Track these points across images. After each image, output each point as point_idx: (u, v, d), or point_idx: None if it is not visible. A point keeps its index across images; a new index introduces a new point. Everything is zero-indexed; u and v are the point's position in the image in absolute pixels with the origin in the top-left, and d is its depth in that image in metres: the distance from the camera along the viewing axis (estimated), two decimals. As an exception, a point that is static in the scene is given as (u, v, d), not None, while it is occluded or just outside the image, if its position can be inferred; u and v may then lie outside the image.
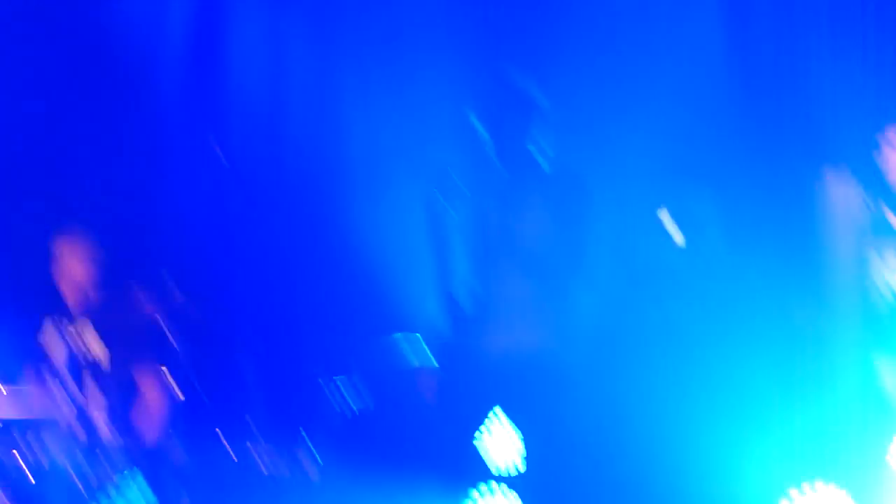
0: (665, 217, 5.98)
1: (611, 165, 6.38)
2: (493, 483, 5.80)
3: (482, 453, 5.96)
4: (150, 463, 5.76)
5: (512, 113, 5.28)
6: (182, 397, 5.97)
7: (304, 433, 6.27)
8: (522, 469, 5.47)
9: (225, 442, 6.23)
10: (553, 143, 5.46)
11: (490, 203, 5.40)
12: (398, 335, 6.33)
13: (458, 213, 5.40)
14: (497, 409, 5.49)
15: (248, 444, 6.26)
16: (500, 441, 6.12)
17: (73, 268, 5.87)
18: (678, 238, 5.99)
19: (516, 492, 5.53)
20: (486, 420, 5.57)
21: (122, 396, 5.85)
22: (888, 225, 5.44)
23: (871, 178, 5.48)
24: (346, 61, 7.34)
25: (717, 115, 6.72)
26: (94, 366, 5.83)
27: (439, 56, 6.96)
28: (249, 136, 7.23)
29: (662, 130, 6.61)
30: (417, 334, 6.19)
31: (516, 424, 5.48)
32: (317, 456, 6.22)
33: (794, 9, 6.65)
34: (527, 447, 5.44)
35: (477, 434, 5.67)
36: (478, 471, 5.68)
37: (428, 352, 5.96)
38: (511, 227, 5.32)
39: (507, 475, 5.69)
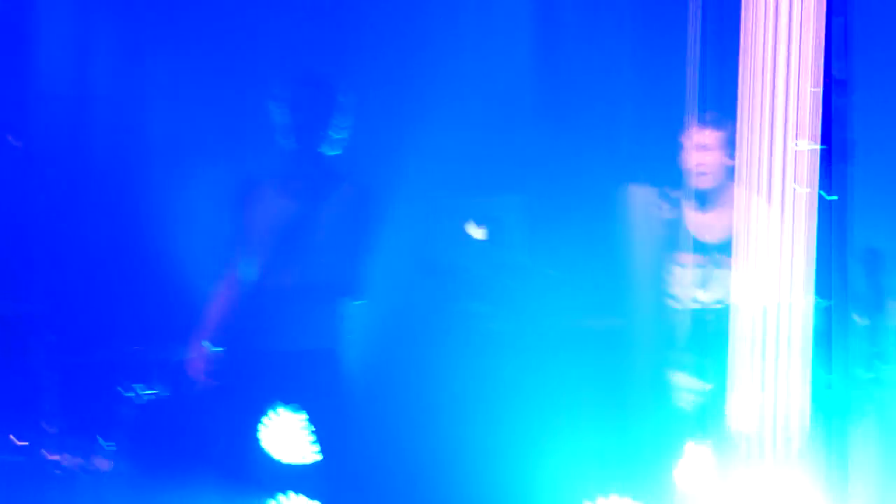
0: (468, 221, 5.99)
1: (412, 163, 6.41)
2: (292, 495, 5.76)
3: (265, 447, 5.91)
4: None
5: (312, 106, 5.34)
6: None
7: (96, 432, 6.15)
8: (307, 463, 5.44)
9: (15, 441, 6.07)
10: (352, 136, 5.51)
11: (282, 194, 5.40)
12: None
13: (252, 205, 5.42)
14: (281, 403, 5.48)
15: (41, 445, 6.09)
16: (284, 435, 6.04)
17: None
18: (478, 237, 6.00)
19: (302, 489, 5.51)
20: (270, 413, 5.55)
21: None
22: (687, 233, 5.47)
23: (671, 184, 5.50)
24: (149, 54, 7.20)
25: (521, 118, 6.78)
26: None
27: (242, 48, 6.92)
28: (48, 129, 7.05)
29: (465, 133, 6.66)
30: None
31: (303, 418, 5.46)
32: (108, 451, 6.09)
33: (596, 14, 6.72)
34: (313, 441, 5.42)
35: (260, 427, 5.65)
36: (260, 464, 5.66)
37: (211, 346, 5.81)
38: (303, 218, 5.33)
39: (290, 469, 5.67)
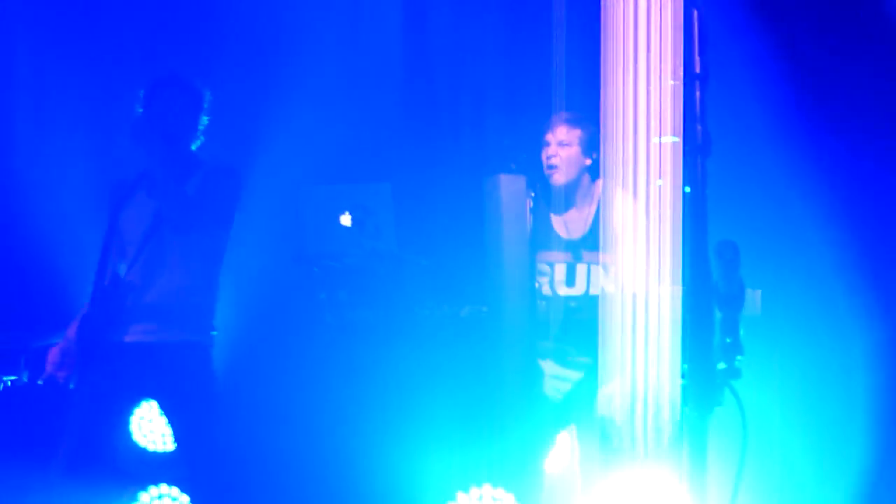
0: (343, 213, 5.96)
1: (281, 153, 6.39)
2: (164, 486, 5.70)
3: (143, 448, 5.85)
4: None
5: (173, 103, 5.30)
6: None
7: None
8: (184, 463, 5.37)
9: None
10: (219, 131, 5.48)
11: (150, 192, 5.34)
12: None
13: (121, 202, 5.35)
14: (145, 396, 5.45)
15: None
16: (148, 426, 5.99)
17: None
18: (347, 225, 5.97)
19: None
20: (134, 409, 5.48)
21: None
22: (551, 229, 5.49)
23: (538, 182, 5.55)
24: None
25: (391, 109, 6.79)
26: None
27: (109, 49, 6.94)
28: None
29: (335, 122, 6.65)
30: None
31: (164, 413, 5.41)
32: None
33: (466, 8, 6.74)
34: (179, 437, 5.33)
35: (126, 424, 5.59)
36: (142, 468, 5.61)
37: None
38: (173, 213, 5.23)
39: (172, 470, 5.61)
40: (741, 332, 3.79)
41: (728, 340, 3.78)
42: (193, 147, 5.37)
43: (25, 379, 6.08)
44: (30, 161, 7.00)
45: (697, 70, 3.51)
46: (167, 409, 5.33)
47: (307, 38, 6.93)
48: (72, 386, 5.22)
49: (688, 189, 3.61)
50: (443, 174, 6.65)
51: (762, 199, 6.20)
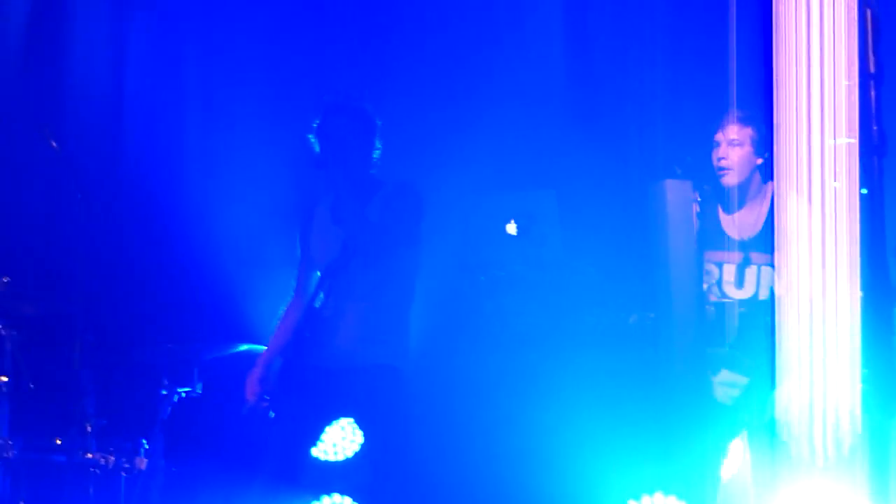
0: (508, 221, 5.96)
1: (446, 163, 6.43)
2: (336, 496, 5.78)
3: (322, 461, 5.92)
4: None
5: (348, 132, 5.39)
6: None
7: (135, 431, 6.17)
8: (367, 476, 5.42)
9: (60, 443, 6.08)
10: (389, 154, 5.56)
11: (329, 213, 5.45)
12: (244, 347, 6.22)
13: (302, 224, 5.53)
14: (341, 416, 5.53)
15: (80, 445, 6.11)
16: (342, 448, 6.09)
17: None
18: (512, 233, 5.97)
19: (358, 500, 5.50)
20: (327, 428, 5.53)
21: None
22: (720, 229, 5.40)
23: (705, 183, 5.48)
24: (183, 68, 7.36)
25: (555, 115, 6.75)
26: None
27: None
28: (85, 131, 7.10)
29: (499, 131, 6.64)
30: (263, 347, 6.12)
31: (361, 430, 5.48)
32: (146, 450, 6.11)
33: (631, 10, 6.68)
34: (371, 453, 5.41)
35: (318, 442, 5.66)
36: (318, 479, 5.66)
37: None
38: (351, 237, 5.32)
39: (349, 482, 5.67)
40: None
41: (913, 346, 3.66)
42: (372, 170, 5.46)
43: (199, 390, 6.20)
44: (206, 177, 7.15)
45: (872, 70, 3.41)
46: (364, 427, 5.43)
47: (469, 48, 6.95)
48: (272, 414, 5.33)
49: (865, 191, 3.51)
50: (608, 180, 6.60)
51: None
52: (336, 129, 5.36)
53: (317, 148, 5.38)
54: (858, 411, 4.13)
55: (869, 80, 3.43)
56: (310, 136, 5.38)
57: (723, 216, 5.46)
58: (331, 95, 5.50)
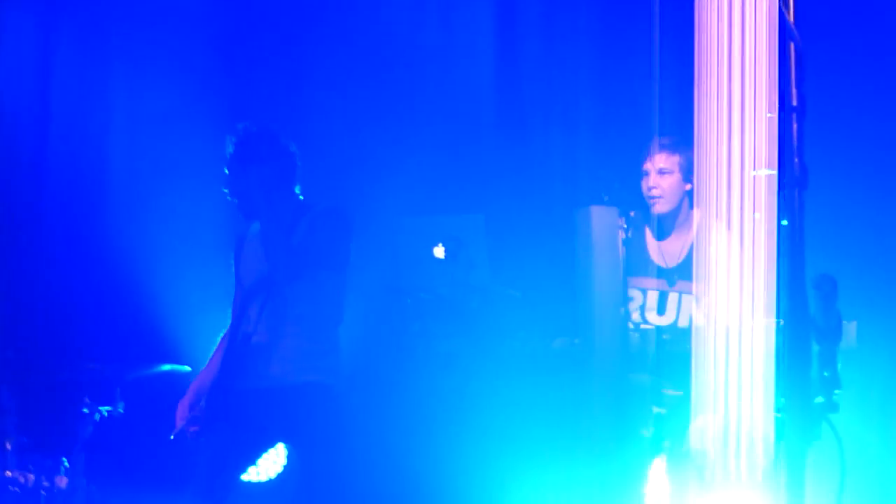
0: (436, 244, 5.98)
1: (374, 185, 6.47)
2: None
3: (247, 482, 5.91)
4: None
5: (260, 161, 5.38)
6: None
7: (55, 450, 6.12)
8: (294, 495, 5.42)
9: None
10: (317, 177, 5.62)
11: (259, 234, 5.43)
12: (167, 367, 6.20)
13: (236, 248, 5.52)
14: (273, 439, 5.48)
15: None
16: (266, 469, 6.08)
17: None
18: (440, 257, 6.00)
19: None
20: (258, 451, 5.52)
21: None
22: (646, 256, 5.45)
23: (632, 209, 5.48)
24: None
25: (483, 139, 6.81)
26: None
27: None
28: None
29: (427, 154, 6.69)
30: (188, 367, 6.08)
31: (291, 448, 5.46)
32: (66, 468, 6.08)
33: (559, 38, 6.74)
34: (300, 471, 5.37)
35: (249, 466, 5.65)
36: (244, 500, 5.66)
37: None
38: (278, 261, 5.31)
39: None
40: (839, 365, 3.75)
41: (826, 374, 3.73)
42: (296, 190, 5.44)
43: (121, 410, 6.16)
44: (131, 196, 7.13)
45: (794, 103, 3.48)
46: (296, 449, 5.40)
47: (399, 71, 6.99)
48: (202, 439, 5.30)
49: (785, 222, 3.58)
50: (535, 206, 6.65)
51: (858, 231, 6.12)
52: (247, 159, 5.34)
53: (231, 178, 5.35)
54: (771, 438, 4.19)
55: (791, 113, 3.49)
56: (224, 167, 5.37)
57: (649, 242, 5.50)
58: (243, 123, 5.46)
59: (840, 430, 3.83)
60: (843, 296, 3.96)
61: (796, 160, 3.51)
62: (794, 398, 3.70)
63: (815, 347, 3.85)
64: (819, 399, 3.76)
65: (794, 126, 3.49)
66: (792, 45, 3.47)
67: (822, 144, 4.05)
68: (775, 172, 3.74)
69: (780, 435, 3.80)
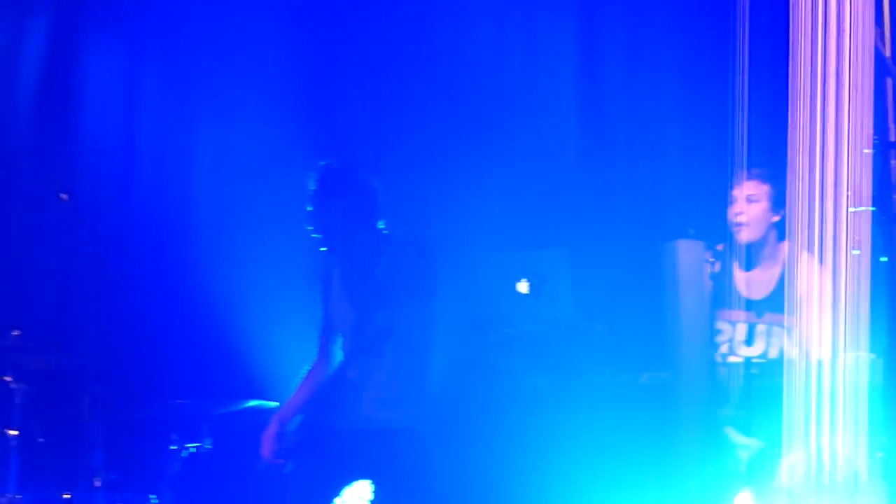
0: (519, 280, 5.97)
1: (458, 220, 6.46)
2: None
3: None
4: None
5: (344, 199, 5.40)
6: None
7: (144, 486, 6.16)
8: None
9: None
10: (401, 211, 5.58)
11: (341, 270, 5.47)
12: (254, 402, 6.22)
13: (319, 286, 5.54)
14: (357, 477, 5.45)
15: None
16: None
17: None
18: (524, 292, 5.98)
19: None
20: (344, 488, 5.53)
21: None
22: (733, 289, 5.40)
23: (718, 239, 5.44)
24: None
25: (567, 174, 6.79)
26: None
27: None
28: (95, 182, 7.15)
29: (511, 189, 6.68)
30: (275, 403, 6.10)
31: (378, 492, 5.42)
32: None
33: (643, 68, 6.70)
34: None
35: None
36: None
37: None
38: (363, 298, 5.34)
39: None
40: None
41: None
42: (380, 224, 5.45)
43: (208, 446, 6.19)
44: (216, 233, 7.19)
45: (892, 138, 3.44)
46: (382, 490, 5.38)
47: (483, 104, 6.99)
48: (291, 474, 5.32)
49: (884, 258, 3.53)
50: (620, 240, 6.61)
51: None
52: (329, 195, 5.38)
53: (313, 214, 5.39)
54: (864, 476, 4.11)
55: (889, 149, 3.46)
56: (307, 204, 5.40)
57: (736, 275, 5.45)
58: (325, 159, 5.50)
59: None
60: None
61: (894, 196, 3.47)
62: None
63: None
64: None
65: (893, 161, 3.45)
66: (889, 81, 3.43)
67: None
68: (871, 208, 3.69)
69: (883, 474, 3.73)
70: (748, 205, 5.40)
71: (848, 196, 3.80)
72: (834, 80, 3.86)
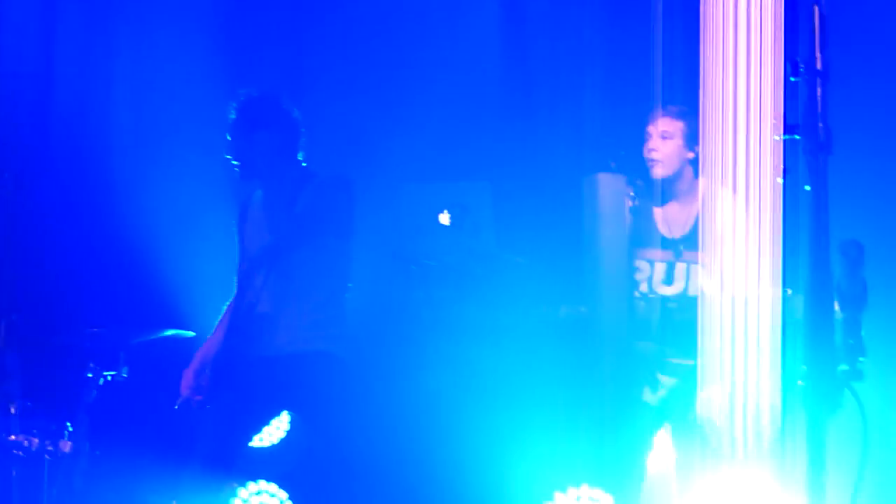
0: (441, 211, 5.97)
1: (378, 152, 6.46)
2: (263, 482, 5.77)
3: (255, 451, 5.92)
4: None
5: (264, 129, 5.39)
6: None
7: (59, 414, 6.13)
8: (297, 462, 5.44)
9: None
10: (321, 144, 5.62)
11: (255, 215, 5.47)
12: (170, 332, 6.19)
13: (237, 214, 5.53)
14: (279, 406, 5.52)
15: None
16: (269, 434, 6.08)
17: None
18: (445, 223, 5.99)
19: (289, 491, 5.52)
20: (263, 420, 5.53)
21: None
22: (653, 226, 5.43)
23: (639, 178, 5.46)
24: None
25: (489, 107, 6.80)
26: None
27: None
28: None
29: (432, 121, 6.68)
30: (192, 332, 6.07)
31: (296, 416, 5.48)
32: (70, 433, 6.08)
33: (563, 7, 6.73)
34: (305, 438, 5.40)
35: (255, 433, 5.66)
36: (245, 465, 5.66)
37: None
38: (281, 230, 5.34)
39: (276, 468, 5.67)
40: (863, 332, 3.72)
41: (850, 341, 3.69)
42: (300, 156, 5.43)
43: (125, 374, 6.15)
44: (135, 164, 7.13)
45: (819, 66, 3.45)
46: (302, 417, 5.44)
47: (404, 39, 6.96)
48: (207, 407, 5.31)
49: (808, 187, 3.55)
50: (542, 173, 6.63)
51: (885, 197, 6.07)
52: (250, 124, 5.35)
53: (234, 145, 5.36)
54: (778, 408, 4.16)
55: (816, 78, 3.46)
56: (227, 134, 5.37)
57: (656, 212, 5.48)
58: (245, 89, 5.47)
59: (864, 398, 3.79)
60: (870, 264, 3.92)
61: (820, 125, 3.48)
62: (816, 366, 3.67)
63: (841, 316, 3.81)
64: (843, 367, 3.71)
65: (819, 90, 3.45)
66: (816, 8, 3.44)
67: (847, 109, 4.03)
68: (794, 137, 3.70)
69: (803, 404, 3.77)
70: (662, 141, 5.43)
71: (773, 124, 3.82)
72: (745, 9, 3.86)
